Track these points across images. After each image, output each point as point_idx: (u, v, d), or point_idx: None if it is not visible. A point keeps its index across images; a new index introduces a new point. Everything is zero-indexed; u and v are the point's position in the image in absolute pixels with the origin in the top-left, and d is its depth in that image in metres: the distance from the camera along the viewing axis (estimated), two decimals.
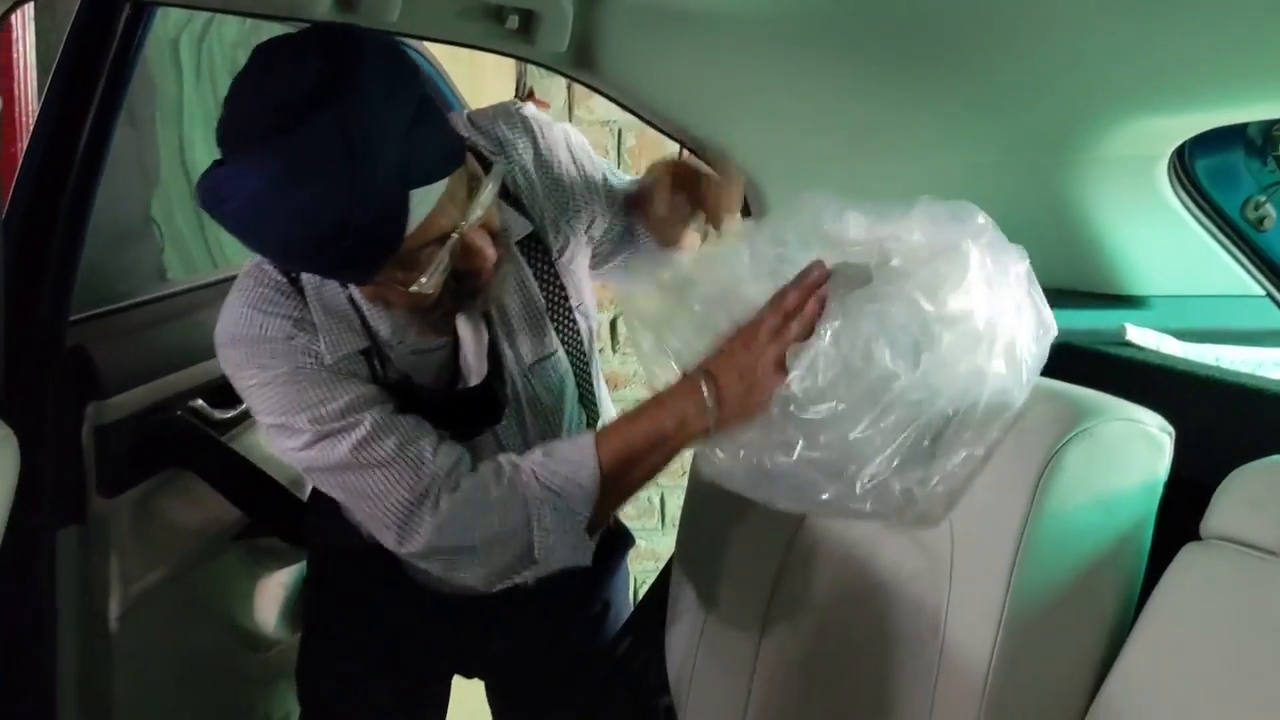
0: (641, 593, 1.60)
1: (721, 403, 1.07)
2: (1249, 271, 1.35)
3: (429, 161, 1.04)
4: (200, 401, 1.69)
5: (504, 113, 1.30)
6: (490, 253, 1.14)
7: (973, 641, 0.98)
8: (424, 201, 1.03)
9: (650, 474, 1.17)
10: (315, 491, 1.47)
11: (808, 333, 1.02)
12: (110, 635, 1.59)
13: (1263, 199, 1.33)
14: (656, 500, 2.96)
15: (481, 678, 1.62)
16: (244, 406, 1.74)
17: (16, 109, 2.32)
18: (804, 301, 1.03)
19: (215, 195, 1.03)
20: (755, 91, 1.38)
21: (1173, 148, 1.26)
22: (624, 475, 1.14)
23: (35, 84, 2.42)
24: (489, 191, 1.11)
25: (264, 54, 1.04)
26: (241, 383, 1.17)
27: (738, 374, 1.06)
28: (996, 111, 1.28)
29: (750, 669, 1.26)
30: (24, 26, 2.38)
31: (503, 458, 1.16)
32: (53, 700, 1.56)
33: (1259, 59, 1.08)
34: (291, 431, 1.15)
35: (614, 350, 2.91)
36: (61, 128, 1.40)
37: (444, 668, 1.54)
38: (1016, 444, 0.99)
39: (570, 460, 1.13)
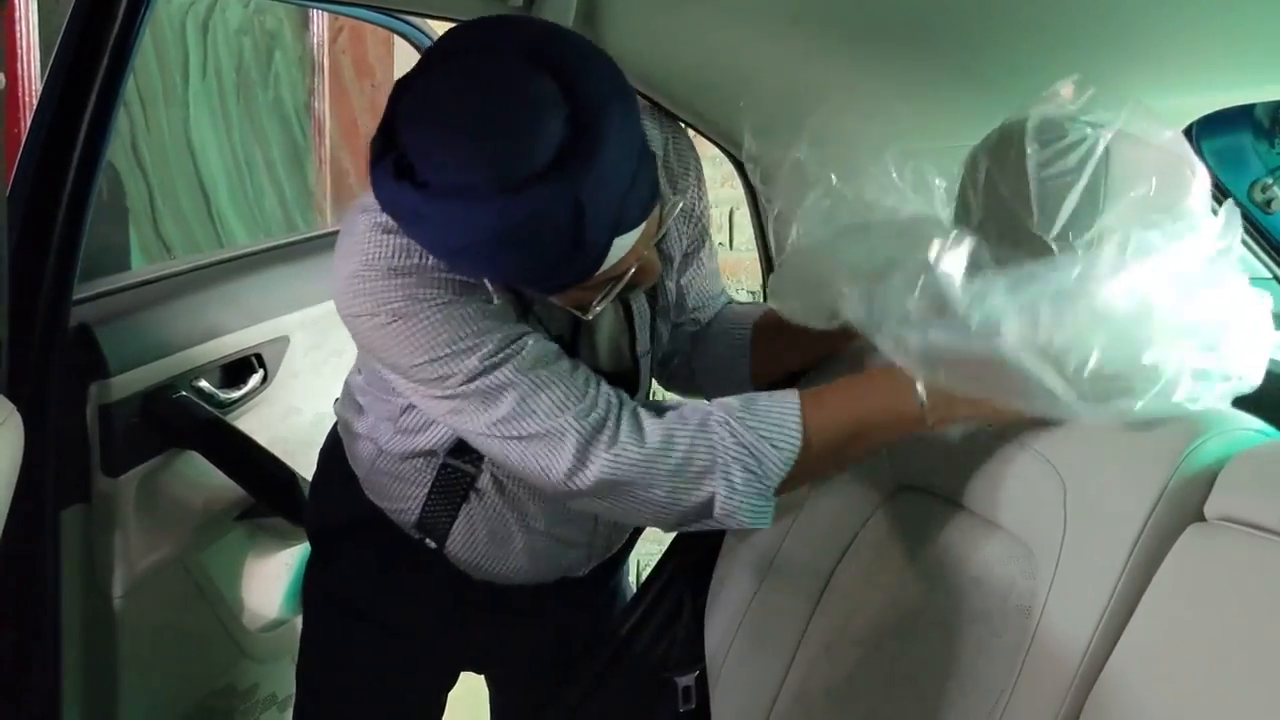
0: (644, 574, 1.60)
1: (934, 407, 1.04)
2: (1256, 255, 1.35)
3: (636, 210, 1.00)
4: (204, 381, 1.69)
5: (648, 106, 1.25)
6: (658, 269, 1.10)
7: (1073, 629, 0.99)
8: (624, 243, 1.01)
9: (846, 460, 1.14)
10: (324, 463, 1.45)
11: None
12: (114, 613, 1.61)
13: (1270, 181, 1.32)
14: None
15: (490, 671, 1.60)
16: (249, 388, 1.77)
17: (20, 88, 2.32)
18: None
19: (414, 215, 0.97)
20: (765, 69, 1.37)
21: (1180, 129, 1.26)
22: (822, 451, 1.09)
23: (38, 63, 2.42)
24: (670, 222, 1.10)
25: (484, 92, 0.94)
26: (385, 318, 1.06)
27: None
28: (1001, 92, 1.27)
29: (794, 647, 1.29)
30: (27, 5, 2.37)
31: (689, 402, 1.12)
32: (57, 677, 1.56)
33: (1266, 40, 1.07)
34: (448, 370, 1.07)
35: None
36: (64, 107, 1.39)
37: (451, 658, 1.50)
38: (1149, 443, 1.00)
39: (771, 419, 1.08)
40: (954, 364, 1.00)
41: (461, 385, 1.08)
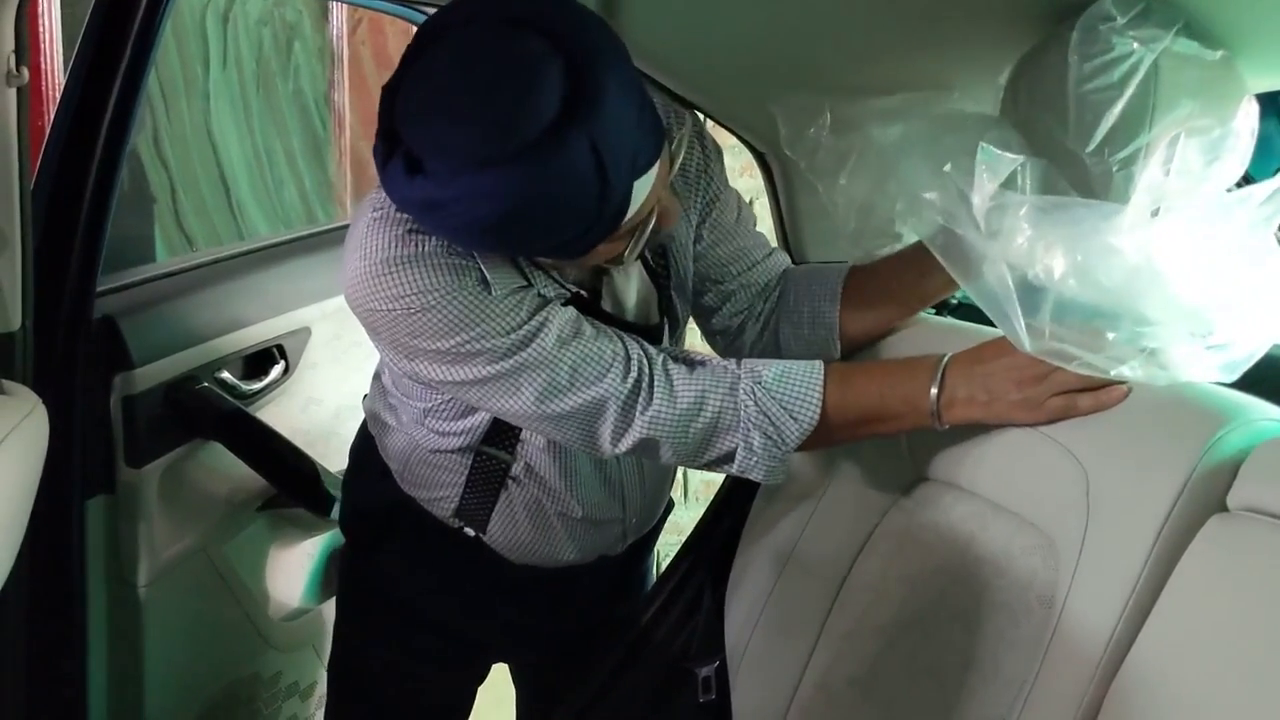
0: (664, 565, 1.60)
1: (946, 406, 1.10)
2: None
3: (648, 147, 1.00)
4: (226, 373, 1.70)
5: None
6: (677, 209, 1.10)
7: (1095, 620, 0.99)
8: (643, 186, 1.00)
9: (863, 436, 1.17)
10: (356, 457, 1.45)
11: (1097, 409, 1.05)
12: (139, 602, 1.62)
13: None
14: (679, 473, 2.96)
15: (515, 659, 1.61)
16: (270, 379, 1.78)
17: (43, 82, 2.34)
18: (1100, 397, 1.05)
19: (434, 206, 0.96)
20: (788, 54, 1.35)
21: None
22: (839, 426, 1.14)
23: (61, 56, 2.44)
24: (682, 153, 1.09)
25: (476, 63, 0.94)
26: (401, 310, 1.05)
27: (983, 388, 1.09)
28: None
29: (813, 639, 1.29)
30: (49, 0, 2.39)
31: (720, 360, 1.15)
32: (83, 665, 1.58)
33: None
34: (473, 352, 1.06)
35: None
36: (87, 100, 1.40)
37: (483, 647, 1.51)
38: (1170, 433, 1.00)
39: (795, 391, 1.12)
40: (951, 245, 1.04)
41: (490, 366, 1.08)
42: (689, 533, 1.58)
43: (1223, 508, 0.95)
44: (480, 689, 1.54)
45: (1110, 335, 0.99)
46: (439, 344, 1.07)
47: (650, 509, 1.42)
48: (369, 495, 1.41)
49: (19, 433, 1.08)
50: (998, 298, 1.01)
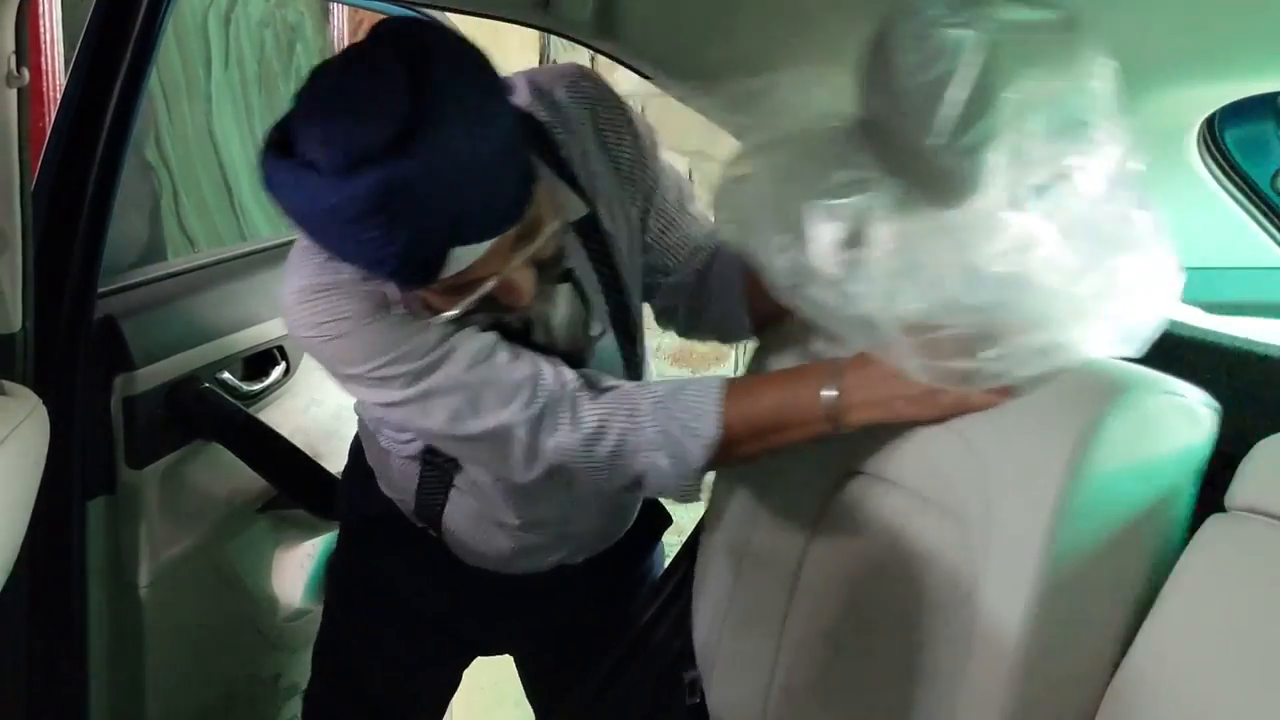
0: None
1: (844, 410, 1.08)
2: (1279, 243, 1.34)
3: (484, 220, 0.97)
4: (227, 374, 1.70)
5: (566, 76, 1.21)
6: (526, 291, 1.06)
7: (1006, 609, 0.98)
8: (466, 255, 0.98)
9: (777, 446, 1.14)
10: (353, 456, 1.47)
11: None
12: (140, 603, 1.62)
13: None
14: None
15: (510, 653, 1.62)
16: (271, 379, 1.78)
17: (44, 83, 2.33)
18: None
19: (279, 187, 0.98)
20: (790, 60, 1.35)
21: (1202, 117, 1.25)
22: (746, 438, 1.12)
23: (62, 58, 2.44)
24: (540, 244, 1.04)
25: (350, 77, 0.97)
26: (320, 336, 1.09)
27: (878, 389, 1.06)
28: None
29: (777, 640, 1.27)
30: (50, 1, 2.39)
31: (624, 385, 1.15)
32: (84, 665, 1.59)
33: None
34: (386, 377, 1.08)
35: None
36: (88, 101, 1.40)
37: (472, 643, 1.53)
38: (1056, 413, 0.98)
39: (692, 408, 1.11)
40: (817, 309, 1.03)
41: (402, 391, 1.10)
42: (689, 533, 1.58)
43: (1221, 508, 0.95)
44: (480, 689, 1.55)
45: (998, 350, 0.96)
46: (357, 369, 1.10)
47: (609, 523, 1.41)
48: (361, 493, 1.43)
49: (19, 433, 1.09)
50: (879, 342, 1.00)
